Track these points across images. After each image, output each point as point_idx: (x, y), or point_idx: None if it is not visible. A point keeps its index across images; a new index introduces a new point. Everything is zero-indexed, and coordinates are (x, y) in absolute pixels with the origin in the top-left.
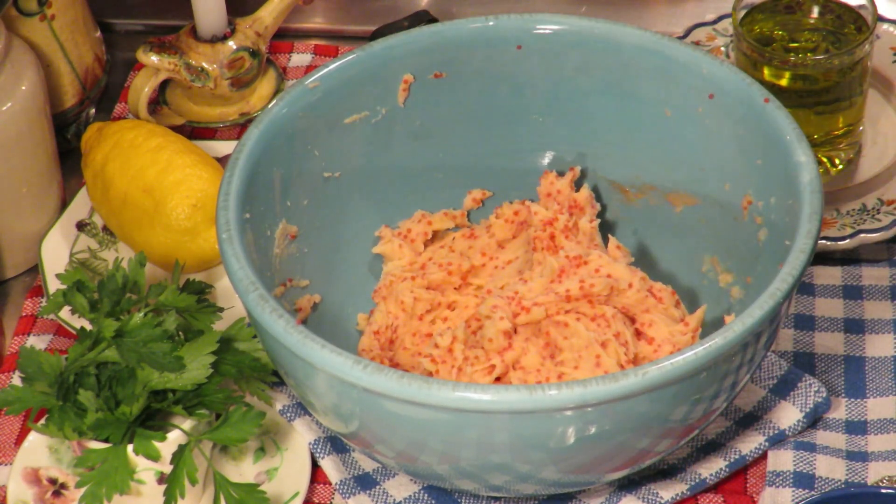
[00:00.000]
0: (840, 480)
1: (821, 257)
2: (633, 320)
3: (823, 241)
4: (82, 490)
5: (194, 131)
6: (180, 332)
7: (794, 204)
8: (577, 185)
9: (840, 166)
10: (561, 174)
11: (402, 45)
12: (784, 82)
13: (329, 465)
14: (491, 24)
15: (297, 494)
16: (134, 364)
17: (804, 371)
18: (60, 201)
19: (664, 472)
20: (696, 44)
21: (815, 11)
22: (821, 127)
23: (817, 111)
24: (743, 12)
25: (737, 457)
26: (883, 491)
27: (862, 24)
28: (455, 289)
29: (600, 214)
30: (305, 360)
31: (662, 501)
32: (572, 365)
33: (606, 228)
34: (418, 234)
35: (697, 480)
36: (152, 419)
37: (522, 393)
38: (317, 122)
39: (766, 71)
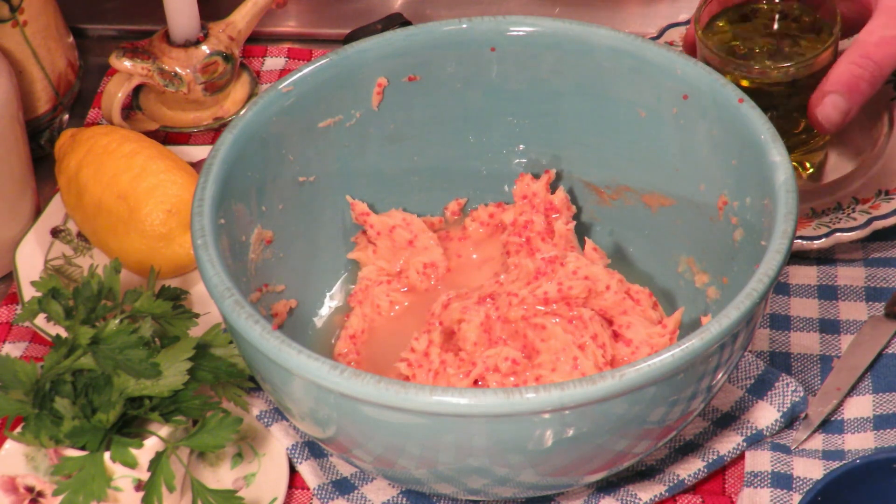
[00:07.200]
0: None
1: (796, 256)
2: (610, 322)
3: (798, 241)
4: (60, 498)
5: (168, 136)
6: (156, 339)
7: (769, 204)
8: (553, 187)
9: (810, 170)
10: (536, 176)
11: (375, 49)
12: (745, 83)
13: (307, 470)
14: (464, 26)
15: (275, 500)
16: (110, 371)
17: (781, 371)
18: (34, 208)
19: (642, 473)
20: (670, 44)
21: (776, 18)
22: (787, 130)
23: (781, 114)
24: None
25: (715, 457)
26: None
27: (823, 27)
28: (431, 292)
29: (576, 216)
30: (282, 366)
31: (641, 503)
32: (549, 367)
33: (582, 230)
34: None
35: (676, 481)
36: (129, 426)
37: (500, 396)
38: (291, 127)
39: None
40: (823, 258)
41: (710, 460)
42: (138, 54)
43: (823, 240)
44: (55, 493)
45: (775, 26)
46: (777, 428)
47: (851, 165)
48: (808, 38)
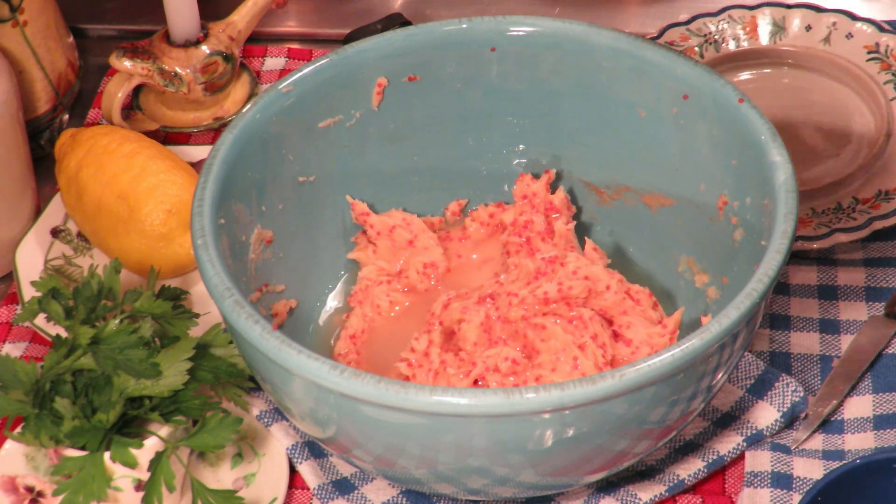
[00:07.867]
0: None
1: (796, 256)
2: (610, 322)
3: (798, 241)
4: (60, 498)
5: (168, 136)
6: (156, 339)
7: (770, 204)
8: (553, 187)
9: None
10: (536, 176)
11: (375, 49)
12: None
13: (307, 470)
14: (465, 26)
15: (275, 500)
16: (110, 371)
17: (781, 371)
18: (34, 208)
19: (642, 473)
20: (670, 44)
21: None
22: None
23: None
24: None
25: (715, 457)
26: None
27: None
28: (431, 292)
29: (576, 216)
30: (282, 366)
31: (641, 503)
32: (549, 367)
33: (582, 230)
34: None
35: (676, 481)
36: (129, 426)
37: (500, 396)
38: (291, 127)
39: None
40: (823, 258)
41: (710, 460)
42: (138, 54)
43: (823, 240)
44: (55, 493)
45: None
46: (777, 428)
47: (851, 165)
48: None
